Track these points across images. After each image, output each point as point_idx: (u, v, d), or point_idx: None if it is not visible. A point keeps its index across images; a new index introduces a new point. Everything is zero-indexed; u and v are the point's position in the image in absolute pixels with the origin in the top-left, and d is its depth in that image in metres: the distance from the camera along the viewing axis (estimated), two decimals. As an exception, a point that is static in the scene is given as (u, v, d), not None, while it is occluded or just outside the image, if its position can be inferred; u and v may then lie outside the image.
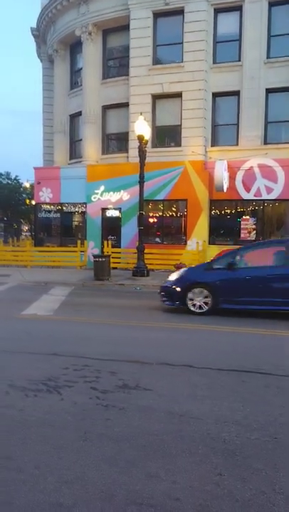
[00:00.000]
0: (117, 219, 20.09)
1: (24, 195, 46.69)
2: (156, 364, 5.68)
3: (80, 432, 3.71)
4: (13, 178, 46.63)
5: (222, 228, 19.05)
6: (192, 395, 4.59)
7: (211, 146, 19.08)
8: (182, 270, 10.56)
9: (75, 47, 22.42)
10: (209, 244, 18.49)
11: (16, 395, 4.53)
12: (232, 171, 18.11)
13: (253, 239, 18.03)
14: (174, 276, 10.22)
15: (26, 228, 61.76)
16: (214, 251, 16.81)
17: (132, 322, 8.68)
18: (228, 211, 18.88)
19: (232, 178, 18.15)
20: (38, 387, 4.73)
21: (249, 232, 18.34)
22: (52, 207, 21.80)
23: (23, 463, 3.21)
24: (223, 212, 19.00)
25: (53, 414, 4.07)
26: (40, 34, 25.14)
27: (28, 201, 46.19)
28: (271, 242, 12.66)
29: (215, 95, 19.05)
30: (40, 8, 23.68)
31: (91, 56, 20.94)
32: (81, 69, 21.87)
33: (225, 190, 17.72)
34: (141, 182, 15.68)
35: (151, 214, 19.54)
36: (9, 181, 46.30)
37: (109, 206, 20.14)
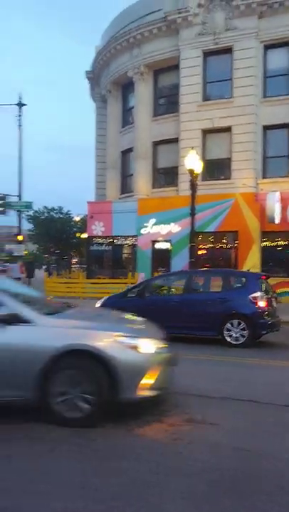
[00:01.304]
0: (167, 251, 20.26)
1: (75, 229, 48.15)
2: (218, 398, 5.60)
3: (152, 464, 3.70)
4: (64, 212, 48.31)
5: (274, 259, 18.72)
6: (260, 431, 4.47)
7: (262, 177, 19.07)
8: (104, 298, 11.48)
9: (127, 87, 23.46)
10: (262, 276, 18.14)
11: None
12: (284, 202, 17.92)
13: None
14: (99, 303, 10.98)
15: (75, 261, 63.41)
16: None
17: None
18: (281, 242, 18.57)
19: (284, 209, 17.94)
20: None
21: (303, 264, 17.88)
22: (104, 240, 22.34)
23: (102, 494, 3.23)
24: (275, 243, 18.72)
25: (125, 447, 4.09)
26: (94, 76, 26.55)
27: (78, 234, 47.58)
28: (180, 272, 14.51)
29: (265, 128, 19.18)
30: (95, 52, 25.12)
31: (142, 95, 21.82)
32: (133, 107, 22.80)
33: (277, 222, 17.51)
34: (192, 215, 15.82)
35: (201, 246, 19.56)
36: (61, 215, 47.99)
37: (160, 238, 20.39)
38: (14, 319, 4.56)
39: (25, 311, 4.69)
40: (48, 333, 4.58)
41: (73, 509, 3.00)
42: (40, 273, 33.70)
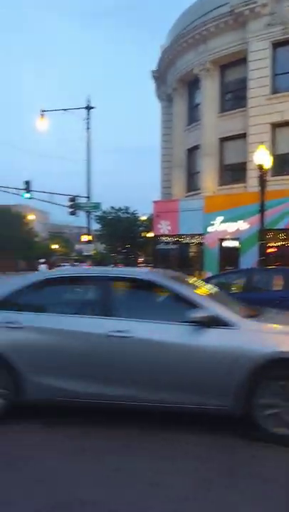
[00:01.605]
0: (235, 249, 19.83)
1: (141, 228, 48.77)
2: None
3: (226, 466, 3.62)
4: (131, 212, 49.09)
5: None
6: None
7: None
8: None
9: (193, 84, 23.30)
10: None
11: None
12: None
13: None
14: None
15: (142, 260, 64.15)
16: None
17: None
18: None
19: None
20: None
21: None
22: (170, 238, 22.36)
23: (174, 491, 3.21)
24: None
25: (202, 446, 4.05)
26: (160, 75, 26.67)
27: (144, 233, 48.11)
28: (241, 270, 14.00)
29: None
30: (161, 51, 25.25)
31: (208, 91, 21.55)
32: (199, 104, 22.60)
33: None
34: (262, 211, 15.36)
35: (271, 243, 18.91)
36: (128, 215, 48.83)
37: (227, 236, 20.02)
38: (214, 322, 4.25)
39: (226, 314, 4.38)
40: (252, 338, 4.18)
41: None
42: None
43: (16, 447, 4.04)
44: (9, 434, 4.31)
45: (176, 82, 24.03)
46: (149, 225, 47.90)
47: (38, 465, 3.66)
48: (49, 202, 25.83)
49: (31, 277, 5.29)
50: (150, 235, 46.27)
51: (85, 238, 25.05)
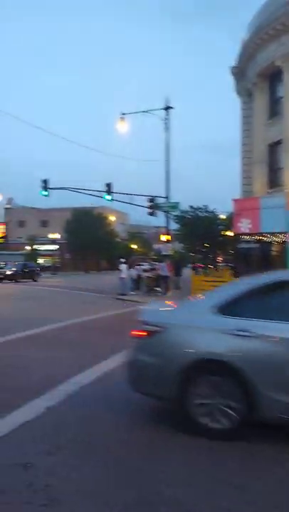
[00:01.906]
0: None
1: (220, 227, 48.01)
2: None
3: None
4: (210, 210, 48.55)
5: None
6: None
7: None
8: None
9: (274, 77, 22.46)
10: None
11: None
12: None
13: None
14: None
15: (221, 259, 63.15)
16: None
17: None
18: None
19: None
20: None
21: None
22: (251, 237, 21.75)
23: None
24: None
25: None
26: (239, 71, 26.07)
27: (224, 232, 47.32)
28: None
29: None
30: (240, 46, 24.69)
31: (292, 83, 20.66)
32: (281, 98, 21.73)
33: None
34: None
35: None
36: (207, 214, 48.35)
37: (313, 234, 19.02)
38: None
39: None
40: None
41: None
42: (187, 271, 34.47)
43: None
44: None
45: (256, 76, 23.33)
46: (229, 223, 47.08)
47: (124, 461, 3.75)
48: (129, 203, 26.39)
49: (259, 279, 4.79)
50: (230, 233, 45.40)
51: (163, 238, 25.22)
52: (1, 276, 36.16)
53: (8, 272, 37.11)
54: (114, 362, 7.36)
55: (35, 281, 38.36)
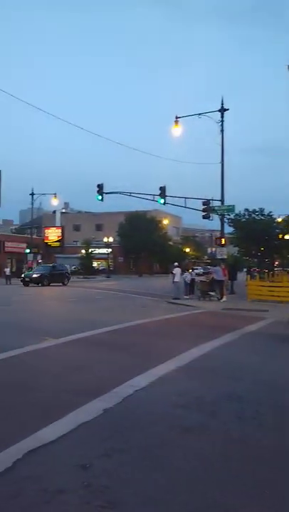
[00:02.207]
0: None
1: (277, 230, 46.75)
2: None
3: None
4: (266, 213, 47.41)
5: None
6: None
7: None
8: None
9: None
10: None
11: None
12: None
13: None
14: None
15: (277, 263, 61.36)
16: None
17: None
18: None
19: None
20: None
21: None
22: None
23: None
24: None
25: None
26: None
27: (281, 236, 46.02)
28: None
29: None
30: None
31: None
32: None
33: None
34: None
35: None
36: (263, 217, 47.25)
37: None
38: None
39: None
40: None
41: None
42: (241, 276, 33.82)
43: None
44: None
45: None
46: (286, 227, 45.74)
47: (181, 467, 3.73)
48: (183, 206, 26.30)
49: None
50: (288, 237, 44.06)
51: (218, 241, 24.91)
52: (27, 280, 34.92)
53: (35, 275, 35.53)
54: (169, 366, 7.35)
55: (64, 285, 36.71)
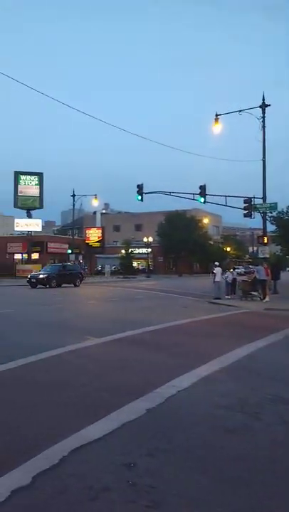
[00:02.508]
0: None
1: None
2: None
3: None
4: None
5: None
6: None
7: None
8: None
9: None
10: None
11: None
12: None
13: None
14: None
15: None
16: None
17: None
18: None
19: None
20: None
21: None
22: None
23: None
24: None
25: None
26: None
27: None
28: None
29: None
30: None
31: None
32: None
33: None
34: None
35: None
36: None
37: None
38: None
39: None
40: None
41: None
42: (285, 275, 33.00)
43: (202, 448, 4.15)
44: (195, 434, 4.44)
45: None
46: None
47: (225, 469, 3.69)
48: (223, 205, 25.98)
49: None
50: None
51: (260, 240, 24.44)
52: (33, 281, 32.48)
53: (41, 276, 33.17)
54: (212, 367, 7.30)
55: (76, 286, 34.51)
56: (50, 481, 3.46)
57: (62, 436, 4.29)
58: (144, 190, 27.22)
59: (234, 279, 23.88)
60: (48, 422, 4.78)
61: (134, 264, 69.36)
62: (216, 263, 25.49)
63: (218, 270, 23.30)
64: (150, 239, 63.10)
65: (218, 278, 22.90)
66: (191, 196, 26.65)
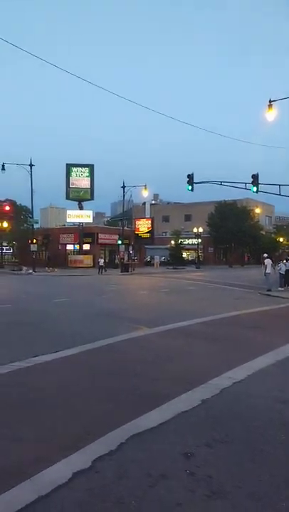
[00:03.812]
0: None
1: None
2: None
3: None
4: None
5: None
6: None
7: None
8: None
9: None
10: None
11: None
12: None
13: None
14: None
15: None
16: None
17: None
18: None
19: None
20: None
21: None
22: None
23: None
24: None
25: None
26: None
27: None
28: None
29: None
30: None
31: None
32: None
33: None
34: None
35: None
36: None
37: None
38: None
39: None
40: None
41: None
42: None
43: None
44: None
45: None
46: None
47: (285, 464, 3.62)
48: (277, 194, 25.23)
49: None
50: None
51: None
52: None
53: None
54: (266, 360, 7.18)
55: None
56: (109, 466, 3.55)
57: (119, 424, 4.38)
58: (195, 180, 26.91)
59: (287, 271, 23.20)
60: (105, 409, 4.89)
61: (184, 254, 69.02)
62: (265, 255, 24.96)
63: (268, 262, 22.76)
64: (200, 229, 62.41)
65: (268, 270, 22.36)
66: (243, 185, 26.06)
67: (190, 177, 26.69)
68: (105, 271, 40.81)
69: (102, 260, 43.93)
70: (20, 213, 55.44)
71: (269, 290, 21.07)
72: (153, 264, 61.55)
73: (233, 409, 4.91)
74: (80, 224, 55.33)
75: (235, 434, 4.20)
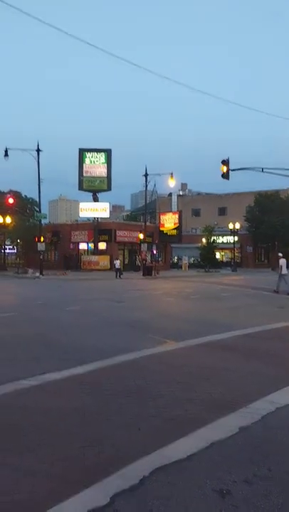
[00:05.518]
0: None
1: None
2: None
3: None
4: None
5: None
6: None
7: None
8: None
9: None
10: None
11: None
12: None
13: None
14: None
15: None
16: None
17: None
18: None
19: None
20: None
21: None
22: None
23: None
24: None
25: None
26: None
27: None
28: None
29: None
30: None
31: None
32: None
33: None
34: None
35: None
36: None
37: None
38: None
39: None
40: None
41: None
42: None
43: None
44: None
45: None
46: None
47: None
48: None
49: None
50: None
51: None
52: None
53: None
54: None
55: None
56: (129, 504, 3.55)
57: (141, 454, 4.38)
58: (231, 167, 26.76)
59: None
60: (125, 436, 4.89)
61: (217, 255, 68.70)
62: (280, 254, 25.34)
63: (283, 262, 23.05)
64: (237, 225, 62.03)
65: (283, 270, 22.76)
66: (288, 173, 25.82)
67: (225, 163, 26.54)
68: (122, 274, 40.87)
69: (119, 262, 44.08)
70: (25, 207, 56.15)
71: (276, 292, 21.60)
72: (181, 267, 61.55)
73: (278, 439, 4.86)
74: (95, 219, 55.60)
75: (280, 469, 4.15)
